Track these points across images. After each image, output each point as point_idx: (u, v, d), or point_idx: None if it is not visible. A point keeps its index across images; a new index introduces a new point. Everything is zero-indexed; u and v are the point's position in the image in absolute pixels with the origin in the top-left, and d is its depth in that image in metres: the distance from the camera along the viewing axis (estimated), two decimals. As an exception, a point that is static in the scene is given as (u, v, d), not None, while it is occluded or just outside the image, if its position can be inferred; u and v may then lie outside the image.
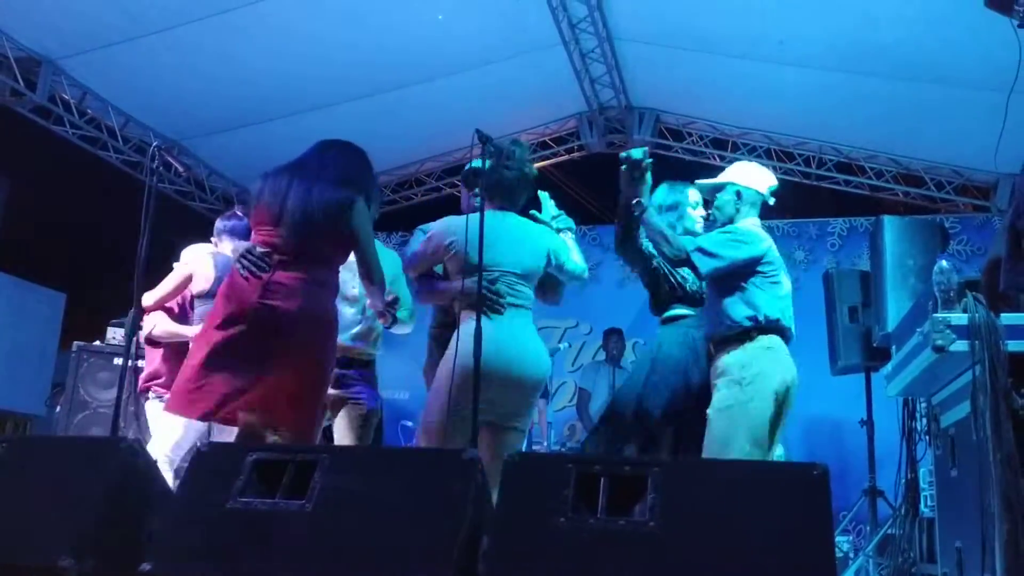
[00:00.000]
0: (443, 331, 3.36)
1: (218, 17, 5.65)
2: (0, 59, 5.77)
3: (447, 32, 6.18)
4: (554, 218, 3.52)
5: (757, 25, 6.00)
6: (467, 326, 3.01)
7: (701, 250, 3.30)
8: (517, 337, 3.13)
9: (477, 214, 3.07)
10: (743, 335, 3.24)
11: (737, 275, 3.31)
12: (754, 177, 3.53)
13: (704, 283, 3.47)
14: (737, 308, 3.27)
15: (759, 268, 3.32)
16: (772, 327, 3.26)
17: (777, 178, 6.87)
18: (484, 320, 2.92)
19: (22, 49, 5.79)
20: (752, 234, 3.37)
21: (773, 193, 3.56)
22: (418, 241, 3.37)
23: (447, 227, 3.26)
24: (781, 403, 3.20)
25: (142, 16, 5.59)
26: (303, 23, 5.84)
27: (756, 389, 3.14)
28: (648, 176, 3.38)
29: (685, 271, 3.51)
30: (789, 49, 6.15)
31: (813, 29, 5.89)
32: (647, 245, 3.56)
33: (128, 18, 5.59)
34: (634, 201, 3.36)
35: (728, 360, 3.22)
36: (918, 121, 6.62)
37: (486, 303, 3.04)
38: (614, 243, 3.65)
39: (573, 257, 3.38)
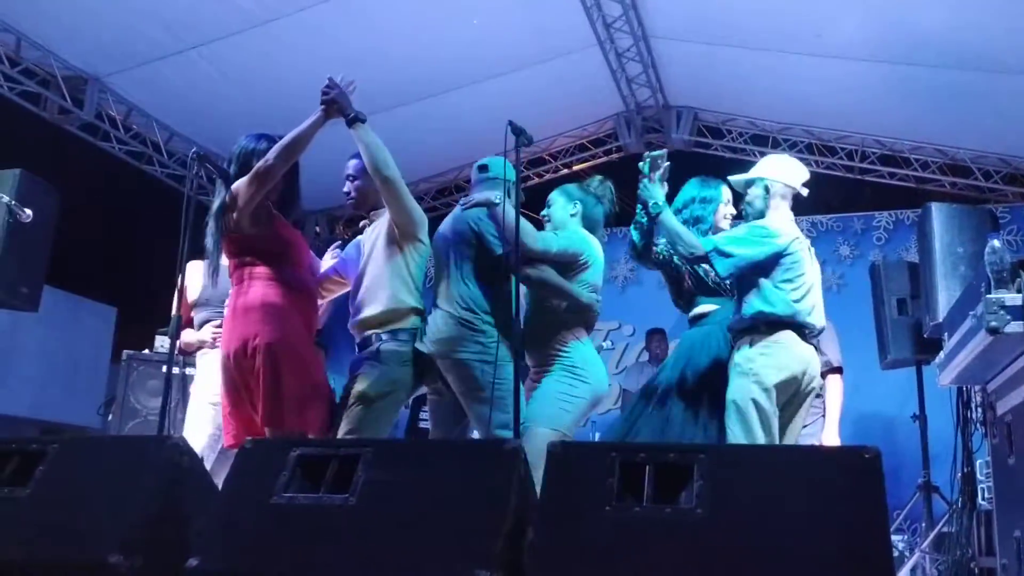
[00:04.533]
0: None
1: (257, 29, 5.74)
2: (48, 78, 5.92)
3: (482, 37, 6.19)
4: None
5: (794, 18, 5.92)
6: (589, 347, 3.37)
7: (718, 250, 3.35)
8: None
9: (596, 237, 3.51)
10: (752, 329, 3.30)
11: (757, 271, 3.33)
12: (783, 170, 3.52)
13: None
14: (750, 303, 3.32)
15: (780, 263, 3.33)
16: (781, 322, 3.26)
17: (819, 173, 6.77)
18: (589, 340, 3.37)
19: (69, 68, 5.93)
20: (770, 231, 3.37)
21: (809, 185, 3.53)
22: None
23: (592, 242, 3.50)
24: (786, 395, 3.24)
25: (183, 31, 5.70)
26: (341, 34, 5.90)
27: (757, 381, 3.19)
28: (664, 177, 3.51)
29: (703, 267, 3.55)
30: (827, 41, 6.06)
31: (851, 20, 5.79)
32: (662, 248, 3.67)
33: (170, 33, 5.70)
34: (651, 202, 3.44)
35: (737, 354, 3.30)
36: (963, 110, 6.46)
37: (590, 322, 3.39)
38: (631, 251, 3.77)
39: None
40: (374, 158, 3.16)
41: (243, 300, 3.08)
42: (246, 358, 3.00)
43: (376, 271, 3.26)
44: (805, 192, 3.53)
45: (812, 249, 3.49)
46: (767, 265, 3.31)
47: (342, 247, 3.71)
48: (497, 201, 3.26)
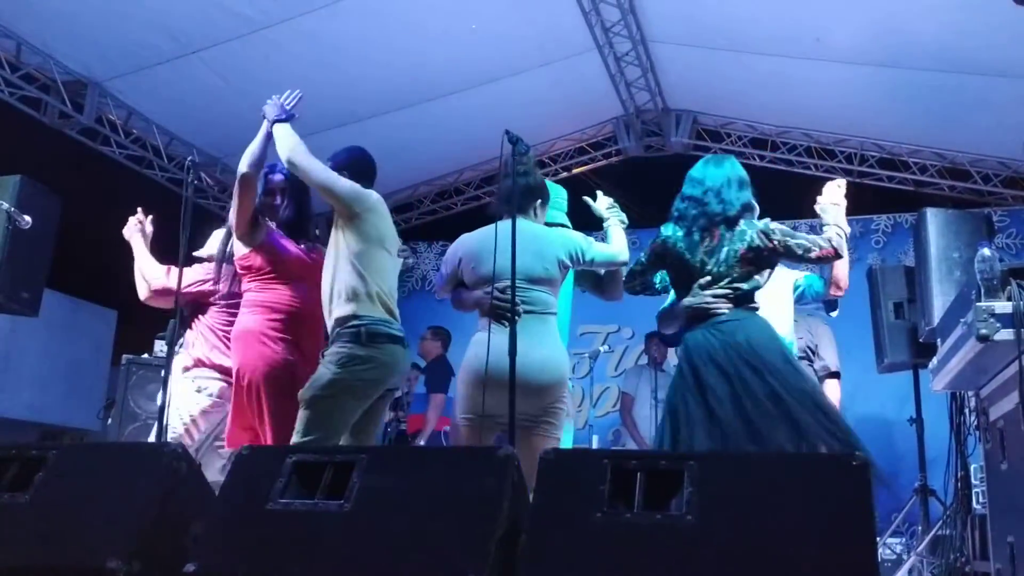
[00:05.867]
0: None
1: (256, 35, 5.76)
2: (49, 83, 5.94)
3: (481, 42, 6.21)
4: (609, 208, 3.63)
5: (793, 22, 5.94)
6: (477, 335, 3.19)
7: None
8: (525, 344, 3.02)
9: (484, 227, 3.25)
10: None
11: None
12: None
13: None
14: None
15: None
16: None
17: (818, 176, 6.77)
18: (496, 328, 3.05)
19: (69, 73, 5.95)
20: None
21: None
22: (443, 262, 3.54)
23: (458, 244, 3.42)
24: None
25: (183, 36, 5.72)
26: (339, 39, 5.92)
27: None
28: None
29: None
30: (826, 45, 6.07)
31: (850, 24, 5.82)
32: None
33: (170, 38, 5.72)
34: None
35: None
36: (961, 113, 6.48)
37: (497, 311, 3.11)
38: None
39: (601, 248, 3.43)
40: (278, 147, 3.27)
41: (234, 328, 3.33)
42: (237, 382, 3.23)
43: (326, 268, 3.24)
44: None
45: None
46: None
47: None
48: None
